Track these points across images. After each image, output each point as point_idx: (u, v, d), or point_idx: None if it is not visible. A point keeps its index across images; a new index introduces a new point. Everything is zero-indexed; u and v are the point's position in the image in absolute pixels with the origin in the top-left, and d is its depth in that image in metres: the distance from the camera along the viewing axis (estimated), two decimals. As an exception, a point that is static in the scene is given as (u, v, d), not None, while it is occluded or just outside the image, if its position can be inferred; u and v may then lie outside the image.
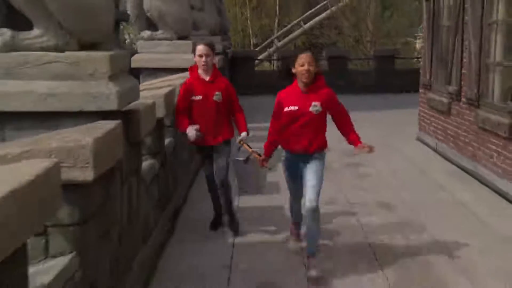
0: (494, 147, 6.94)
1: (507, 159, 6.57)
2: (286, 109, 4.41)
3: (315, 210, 4.37)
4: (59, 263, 2.74)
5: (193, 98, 5.17)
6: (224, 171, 5.29)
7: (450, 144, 8.52)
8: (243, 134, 5.24)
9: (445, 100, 8.70)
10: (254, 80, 16.66)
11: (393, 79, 16.35)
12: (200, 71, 5.20)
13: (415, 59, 21.61)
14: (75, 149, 2.80)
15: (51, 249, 2.83)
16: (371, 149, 4.44)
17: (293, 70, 4.38)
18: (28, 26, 3.47)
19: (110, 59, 3.49)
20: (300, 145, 4.42)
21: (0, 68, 3.37)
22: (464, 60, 8.02)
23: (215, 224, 5.61)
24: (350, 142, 4.57)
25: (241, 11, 33.61)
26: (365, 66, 20.50)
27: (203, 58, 5.11)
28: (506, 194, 6.51)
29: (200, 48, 5.12)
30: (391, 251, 5.07)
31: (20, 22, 3.48)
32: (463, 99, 8.00)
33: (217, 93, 5.17)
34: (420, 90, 10.15)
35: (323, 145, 4.52)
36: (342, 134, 4.62)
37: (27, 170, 2.17)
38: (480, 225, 5.76)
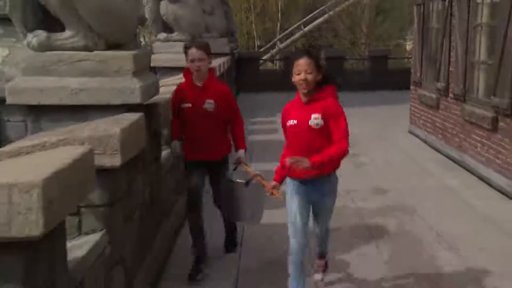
0: (478, 138, 6.97)
1: (491, 149, 6.60)
2: (287, 123, 3.49)
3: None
4: (91, 239, 2.81)
5: (183, 105, 4.18)
6: (227, 194, 4.16)
7: (438, 136, 8.55)
8: (241, 152, 4.23)
9: (434, 96, 8.72)
10: (258, 79, 16.69)
11: (386, 77, 16.32)
12: (193, 77, 4.19)
13: (406, 59, 21.52)
14: (104, 138, 2.86)
15: (83, 227, 2.90)
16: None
17: (292, 79, 3.43)
18: (61, 28, 3.53)
19: (134, 58, 3.55)
20: (310, 170, 3.33)
21: (37, 66, 3.45)
22: (452, 59, 8.04)
23: (197, 272, 4.19)
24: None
25: (246, 15, 33.52)
26: (360, 66, 20.37)
27: (196, 63, 4.07)
28: (489, 181, 6.55)
29: (192, 52, 4.08)
30: (386, 230, 5.14)
31: (53, 25, 3.54)
32: (451, 95, 8.03)
33: (208, 101, 4.11)
34: (411, 87, 10.16)
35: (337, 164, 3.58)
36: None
37: (65, 155, 2.23)
38: (466, 207, 5.81)
